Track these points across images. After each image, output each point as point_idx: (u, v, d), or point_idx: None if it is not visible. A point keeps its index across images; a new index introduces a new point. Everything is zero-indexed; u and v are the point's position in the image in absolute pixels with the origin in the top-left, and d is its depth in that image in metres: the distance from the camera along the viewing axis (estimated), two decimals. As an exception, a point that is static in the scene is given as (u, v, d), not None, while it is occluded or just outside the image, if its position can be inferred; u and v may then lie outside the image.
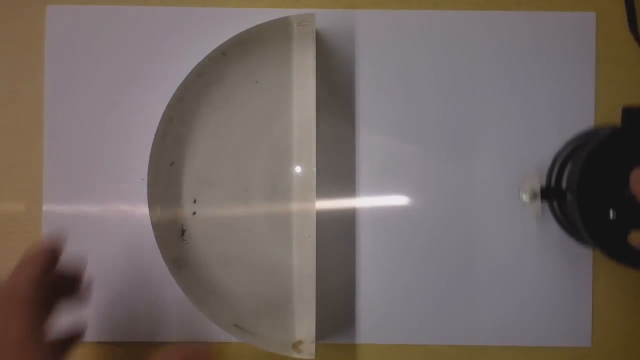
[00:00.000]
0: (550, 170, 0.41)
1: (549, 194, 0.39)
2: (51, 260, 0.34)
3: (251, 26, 0.40)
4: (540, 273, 0.42)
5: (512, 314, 0.42)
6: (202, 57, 0.40)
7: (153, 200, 0.39)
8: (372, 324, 0.42)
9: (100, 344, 0.43)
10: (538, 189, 0.38)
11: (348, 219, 0.42)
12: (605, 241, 0.33)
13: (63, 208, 0.43)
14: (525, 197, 0.39)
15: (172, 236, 0.40)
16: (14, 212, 0.43)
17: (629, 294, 0.43)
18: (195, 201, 0.41)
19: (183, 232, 0.40)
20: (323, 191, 0.42)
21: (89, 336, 0.42)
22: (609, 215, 0.33)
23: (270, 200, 0.39)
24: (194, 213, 0.40)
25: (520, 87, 0.43)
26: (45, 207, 0.43)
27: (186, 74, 0.39)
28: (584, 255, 0.42)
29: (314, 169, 0.38)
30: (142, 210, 0.42)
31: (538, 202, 0.38)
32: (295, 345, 0.39)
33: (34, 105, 0.43)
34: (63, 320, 0.36)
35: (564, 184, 0.38)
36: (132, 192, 0.43)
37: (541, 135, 0.42)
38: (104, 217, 0.43)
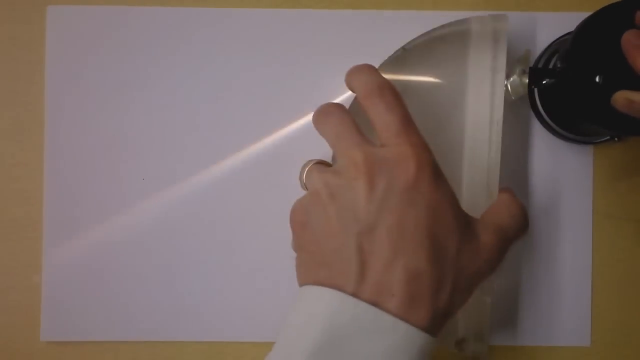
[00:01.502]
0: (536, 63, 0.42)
1: (538, 72, 0.40)
2: None
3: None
4: (539, 269, 0.43)
5: (511, 313, 0.43)
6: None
7: None
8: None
9: (102, 342, 0.43)
10: (527, 66, 0.39)
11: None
12: (591, 106, 0.35)
13: (64, 208, 0.43)
14: (512, 80, 0.40)
15: None
16: (14, 213, 0.43)
17: (629, 293, 0.43)
18: None
19: None
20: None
21: (95, 335, 0.43)
22: (595, 80, 0.35)
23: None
24: None
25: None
26: (46, 208, 0.43)
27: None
28: (584, 253, 0.43)
29: (489, 180, 0.36)
30: (144, 210, 0.43)
31: (526, 79, 0.39)
32: (459, 343, 0.37)
33: (34, 105, 0.43)
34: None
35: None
36: (133, 192, 0.43)
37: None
38: (105, 217, 0.43)
